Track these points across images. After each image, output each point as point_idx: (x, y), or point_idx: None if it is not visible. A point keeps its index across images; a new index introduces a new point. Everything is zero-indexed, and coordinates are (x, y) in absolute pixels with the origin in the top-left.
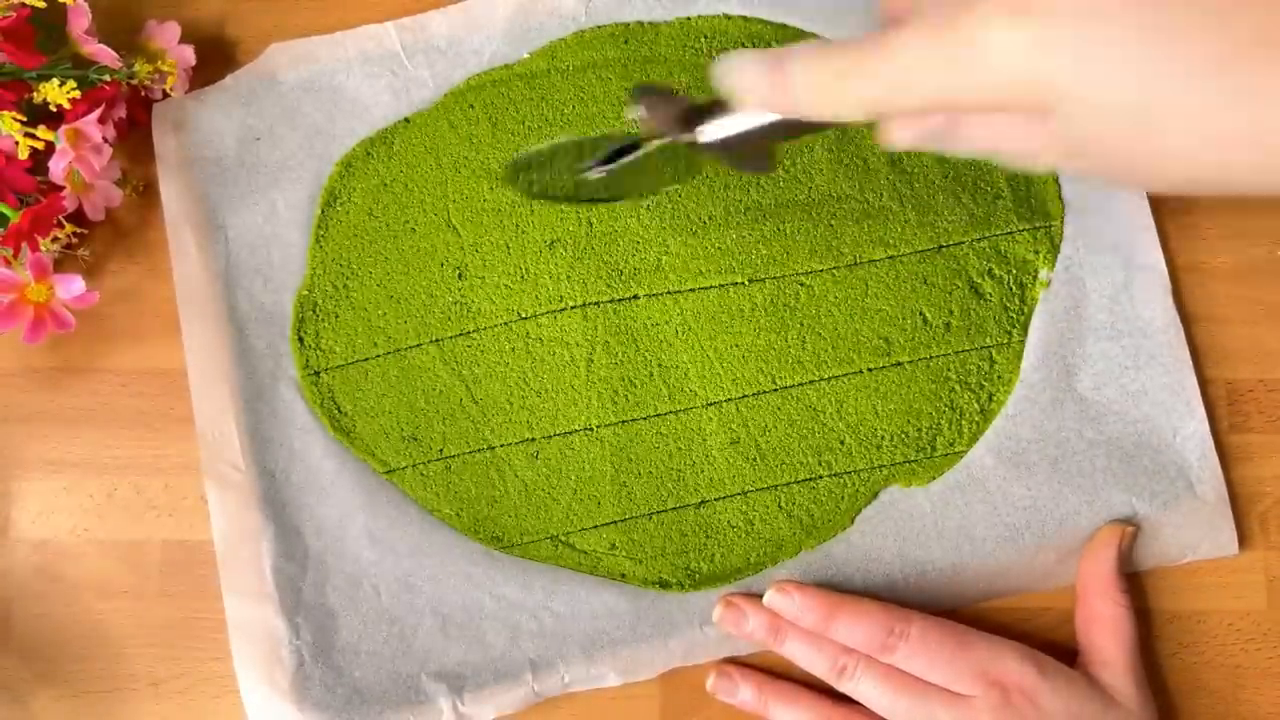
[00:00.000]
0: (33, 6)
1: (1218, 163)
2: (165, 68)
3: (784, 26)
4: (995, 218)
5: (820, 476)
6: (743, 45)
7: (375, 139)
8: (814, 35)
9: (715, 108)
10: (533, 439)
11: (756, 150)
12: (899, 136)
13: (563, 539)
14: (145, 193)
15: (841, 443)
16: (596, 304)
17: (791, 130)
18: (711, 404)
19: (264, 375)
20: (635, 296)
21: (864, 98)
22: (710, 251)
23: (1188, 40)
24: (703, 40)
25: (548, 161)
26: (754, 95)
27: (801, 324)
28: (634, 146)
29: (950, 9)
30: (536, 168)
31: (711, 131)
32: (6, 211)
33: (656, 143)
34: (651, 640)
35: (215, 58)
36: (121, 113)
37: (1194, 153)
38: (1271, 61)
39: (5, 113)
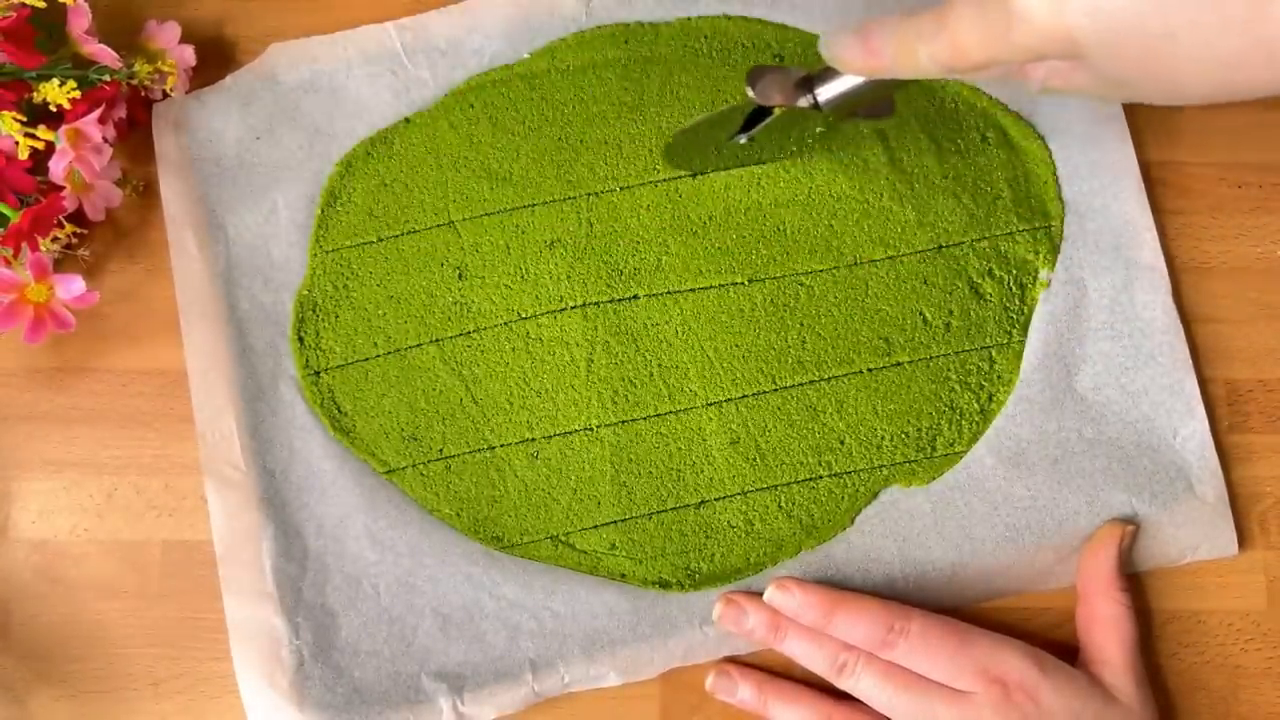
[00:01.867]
0: (33, 6)
1: (1228, 77)
2: (165, 68)
3: (784, 27)
4: (995, 218)
5: (820, 476)
6: (743, 45)
7: (375, 139)
8: (814, 36)
9: (825, 74)
10: (533, 439)
11: (876, 100)
12: (979, 79)
13: (563, 539)
14: (145, 193)
15: (841, 443)
16: (596, 304)
17: (897, 82)
18: (711, 404)
19: (264, 375)
20: (635, 296)
21: (935, 61)
22: (710, 251)
23: None
24: (703, 40)
25: (694, 140)
26: (850, 63)
27: (801, 324)
28: (764, 113)
29: None
30: (686, 149)
31: (826, 93)
32: (6, 211)
33: (780, 110)
34: (651, 640)
35: (215, 58)
36: (121, 113)
37: (1206, 71)
38: None
39: (5, 113)
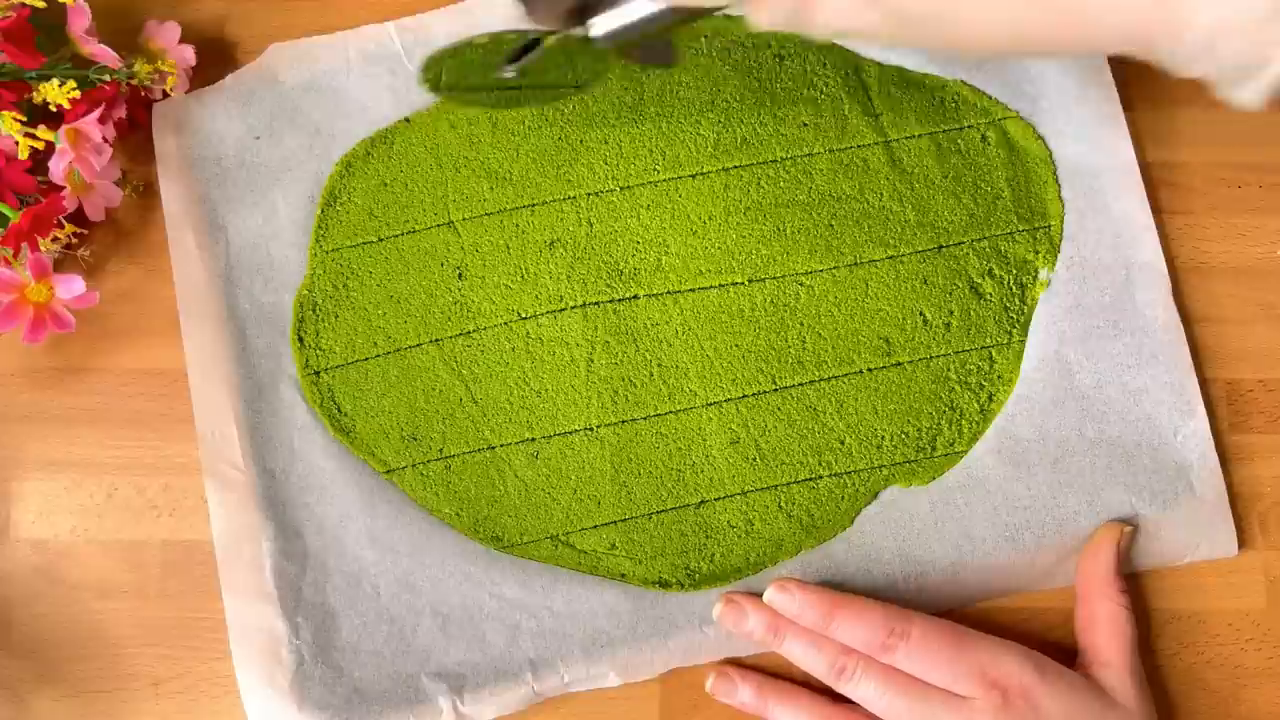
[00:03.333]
0: (33, 6)
1: (1010, 24)
2: (165, 68)
3: None
4: (995, 218)
5: (820, 476)
6: (743, 45)
7: (375, 139)
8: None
9: (602, 3)
10: (533, 439)
11: (655, 44)
12: (761, 18)
13: (563, 539)
14: (145, 193)
15: (841, 443)
16: (596, 304)
17: (679, 19)
18: (711, 404)
19: (264, 375)
20: (635, 296)
21: None
22: (710, 251)
23: None
24: (703, 40)
25: (459, 63)
26: None
27: (801, 324)
28: (536, 44)
29: None
30: (449, 70)
31: (602, 24)
32: (6, 211)
33: (553, 39)
34: (651, 640)
35: (215, 58)
36: (121, 113)
37: (990, 16)
38: None
39: (5, 113)
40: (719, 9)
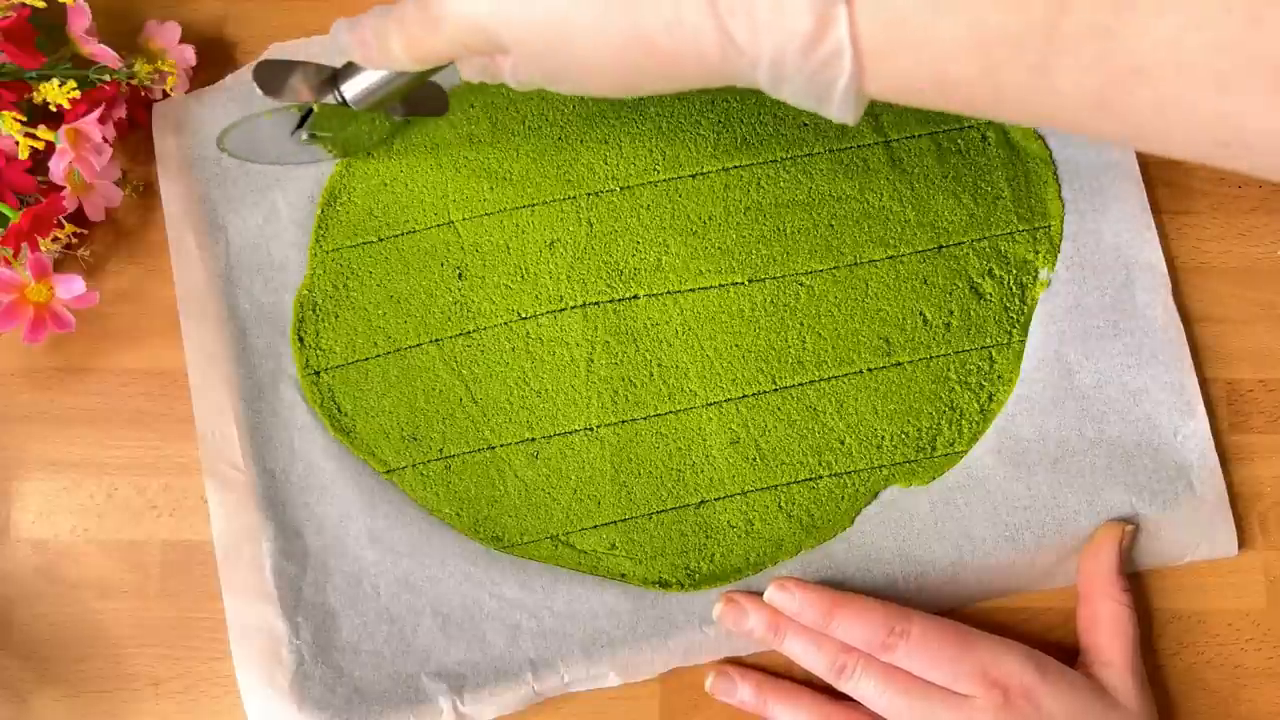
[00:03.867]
0: (33, 6)
1: (619, 72)
2: (165, 68)
3: None
4: (995, 218)
5: (820, 476)
6: None
7: None
8: None
9: (349, 68)
10: (533, 439)
11: (423, 94)
12: (469, 75)
13: (563, 539)
14: (145, 193)
15: (841, 443)
16: (596, 304)
17: (417, 77)
18: (711, 404)
19: (264, 375)
20: (635, 296)
21: (405, 52)
22: (710, 251)
23: None
24: None
25: (253, 133)
26: (346, 51)
27: (801, 324)
28: (312, 111)
29: None
30: (248, 141)
31: (350, 89)
32: (6, 211)
33: (318, 105)
34: (651, 640)
35: (215, 58)
36: (121, 113)
37: (603, 59)
38: None
39: (5, 113)
40: (437, 70)
